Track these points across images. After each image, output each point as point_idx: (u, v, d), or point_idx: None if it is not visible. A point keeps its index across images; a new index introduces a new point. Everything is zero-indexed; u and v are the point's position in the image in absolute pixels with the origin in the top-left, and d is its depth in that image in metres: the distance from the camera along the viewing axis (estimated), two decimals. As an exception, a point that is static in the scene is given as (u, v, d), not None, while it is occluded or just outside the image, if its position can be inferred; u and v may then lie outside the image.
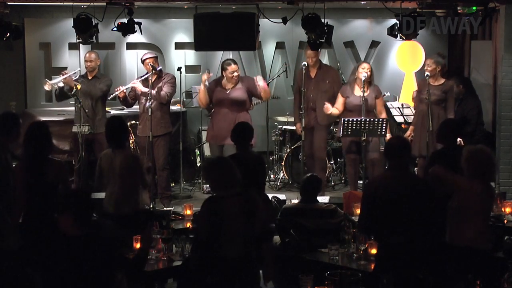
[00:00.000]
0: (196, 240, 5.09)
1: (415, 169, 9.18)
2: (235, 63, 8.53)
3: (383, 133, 8.24)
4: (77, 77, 8.73)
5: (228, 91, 8.48)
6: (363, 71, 8.44)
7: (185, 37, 10.60)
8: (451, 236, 5.21)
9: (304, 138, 8.79)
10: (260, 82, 8.49)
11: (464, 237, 5.11)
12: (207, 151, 9.96)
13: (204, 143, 9.92)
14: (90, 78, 8.72)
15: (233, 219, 4.85)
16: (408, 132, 8.76)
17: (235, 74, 8.43)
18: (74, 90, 8.48)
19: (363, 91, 8.36)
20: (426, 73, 8.46)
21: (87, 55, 8.82)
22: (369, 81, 8.50)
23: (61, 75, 8.67)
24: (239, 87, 8.52)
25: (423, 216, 4.98)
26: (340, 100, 8.65)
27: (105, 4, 8.18)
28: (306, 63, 8.72)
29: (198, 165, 9.97)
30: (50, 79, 10.09)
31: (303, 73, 8.63)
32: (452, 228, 5.21)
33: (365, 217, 5.11)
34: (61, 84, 8.67)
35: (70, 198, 4.08)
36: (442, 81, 8.53)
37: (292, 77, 10.78)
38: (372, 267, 5.23)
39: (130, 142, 8.97)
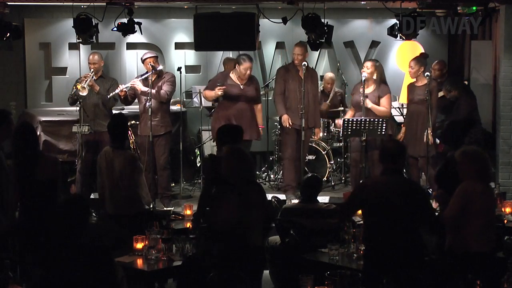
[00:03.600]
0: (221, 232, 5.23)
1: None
2: (250, 60, 8.52)
3: (383, 133, 8.24)
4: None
5: (243, 87, 8.52)
6: (364, 71, 8.46)
7: (185, 37, 10.60)
8: (454, 243, 5.16)
9: (288, 139, 8.75)
10: None
11: (470, 243, 5.07)
12: (207, 151, 9.96)
13: (205, 143, 9.92)
14: (95, 79, 8.65)
15: (255, 208, 5.12)
16: (400, 134, 8.77)
17: (248, 72, 8.47)
18: (75, 90, 8.45)
19: (363, 89, 8.39)
20: (427, 73, 8.47)
21: (91, 57, 8.74)
22: (373, 79, 8.48)
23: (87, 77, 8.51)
24: (251, 84, 8.59)
25: (418, 219, 4.96)
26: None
27: (105, 4, 8.19)
28: (306, 63, 8.71)
29: (198, 165, 9.97)
30: (50, 78, 10.17)
31: (304, 72, 8.59)
32: (455, 236, 5.15)
33: (347, 211, 5.33)
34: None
35: (69, 209, 3.97)
36: (424, 81, 8.52)
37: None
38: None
39: (130, 142, 8.97)
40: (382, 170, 5.12)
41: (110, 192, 6.37)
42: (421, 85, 8.46)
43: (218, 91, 8.40)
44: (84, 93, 8.34)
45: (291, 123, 8.60)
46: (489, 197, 5.29)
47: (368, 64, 8.55)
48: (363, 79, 8.37)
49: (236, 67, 8.49)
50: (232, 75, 8.56)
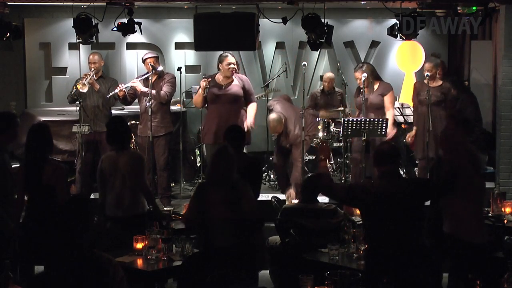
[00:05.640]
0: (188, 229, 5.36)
1: (415, 169, 9.20)
2: (232, 55, 8.34)
3: (383, 133, 8.25)
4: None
5: (224, 87, 8.27)
6: (358, 81, 8.62)
7: (185, 37, 10.60)
8: (448, 226, 5.22)
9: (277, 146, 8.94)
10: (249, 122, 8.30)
11: (460, 229, 5.12)
12: (207, 151, 9.95)
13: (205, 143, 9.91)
14: (96, 78, 8.66)
15: (217, 207, 5.04)
16: (413, 133, 8.74)
17: (232, 66, 8.18)
18: (75, 90, 8.46)
19: (363, 93, 8.46)
20: (427, 73, 8.47)
21: (91, 57, 8.77)
22: (370, 81, 8.53)
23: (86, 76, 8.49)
24: (236, 83, 8.30)
25: (420, 218, 4.97)
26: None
27: (105, 4, 8.19)
28: (305, 63, 8.71)
29: (198, 165, 9.97)
30: (50, 78, 10.17)
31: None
32: (448, 218, 5.21)
33: (341, 200, 5.40)
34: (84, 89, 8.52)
35: (70, 210, 3.97)
36: (440, 82, 8.57)
37: (292, 77, 10.80)
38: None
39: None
40: (379, 174, 5.08)
41: (116, 195, 6.17)
42: (436, 86, 8.46)
43: (203, 82, 8.23)
44: (84, 89, 8.34)
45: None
46: (482, 188, 5.43)
47: (357, 75, 8.59)
48: (363, 79, 8.45)
49: (220, 67, 8.29)
50: (217, 77, 8.35)
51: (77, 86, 8.44)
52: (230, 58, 8.22)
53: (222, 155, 5.33)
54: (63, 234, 3.88)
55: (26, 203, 5.83)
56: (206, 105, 8.48)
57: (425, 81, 8.52)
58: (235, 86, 8.29)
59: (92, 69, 8.61)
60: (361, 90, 8.48)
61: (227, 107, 8.24)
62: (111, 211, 6.16)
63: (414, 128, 8.77)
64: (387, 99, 8.61)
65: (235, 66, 8.29)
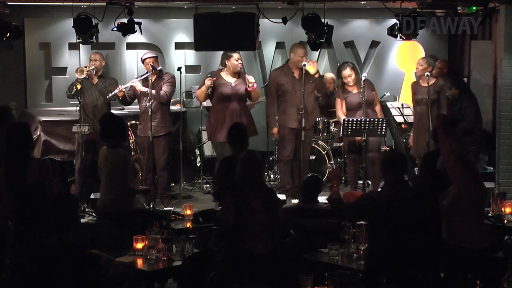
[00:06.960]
0: (221, 233, 5.23)
1: (415, 169, 9.19)
2: (237, 52, 8.54)
3: (383, 133, 8.29)
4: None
5: (234, 85, 8.47)
6: (348, 80, 8.63)
7: (185, 37, 10.59)
8: (446, 234, 5.21)
9: (284, 141, 8.80)
10: (251, 79, 8.42)
11: (459, 236, 5.11)
12: (207, 151, 9.96)
13: (205, 143, 9.91)
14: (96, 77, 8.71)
15: (257, 213, 5.00)
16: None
17: (240, 62, 8.50)
18: (74, 90, 8.49)
19: (363, 92, 8.49)
20: (426, 73, 8.51)
21: (92, 56, 8.84)
22: (357, 79, 8.63)
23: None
24: (241, 81, 8.53)
25: (426, 225, 4.97)
26: (339, 103, 8.78)
27: (105, 4, 8.19)
28: (305, 63, 8.72)
29: (198, 165, 9.97)
30: (50, 78, 10.17)
31: (303, 73, 8.59)
32: (446, 226, 5.21)
33: (349, 217, 5.33)
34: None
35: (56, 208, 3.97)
36: (433, 80, 8.59)
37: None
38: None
39: (130, 142, 8.97)
40: (386, 181, 5.14)
41: (101, 190, 6.39)
42: (430, 84, 8.49)
43: (208, 81, 8.36)
44: (81, 76, 8.38)
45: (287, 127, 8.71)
46: (483, 195, 5.36)
47: (347, 73, 8.61)
48: (363, 79, 8.50)
49: (227, 63, 8.46)
50: (223, 74, 8.52)
51: (77, 85, 8.46)
52: (236, 54, 8.45)
53: (252, 161, 5.25)
54: (50, 231, 3.88)
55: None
56: (209, 100, 8.63)
57: (420, 82, 8.62)
58: (242, 84, 8.51)
59: (93, 67, 8.65)
60: (360, 88, 8.55)
61: (237, 105, 8.45)
62: (100, 206, 6.36)
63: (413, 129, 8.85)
64: (375, 94, 8.80)
65: (242, 62, 8.55)
